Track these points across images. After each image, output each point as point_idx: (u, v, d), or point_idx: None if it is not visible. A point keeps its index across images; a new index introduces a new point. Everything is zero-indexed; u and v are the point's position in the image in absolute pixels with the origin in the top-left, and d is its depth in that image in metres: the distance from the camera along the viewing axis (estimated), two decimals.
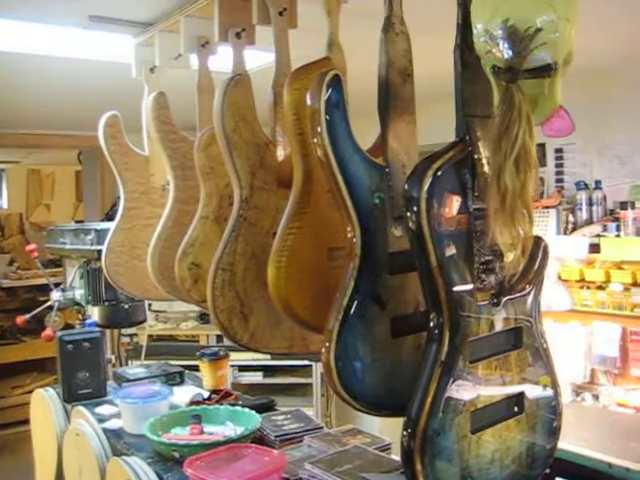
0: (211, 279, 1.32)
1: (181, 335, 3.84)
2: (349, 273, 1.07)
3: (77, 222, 5.18)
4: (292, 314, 1.20)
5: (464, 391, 0.98)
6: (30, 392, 5.32)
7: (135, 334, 3.73)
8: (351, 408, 1.09)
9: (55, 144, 4.32)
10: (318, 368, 3.70)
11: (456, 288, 0.97)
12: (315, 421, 1.71)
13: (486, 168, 0.99)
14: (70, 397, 2.02)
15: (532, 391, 1.09)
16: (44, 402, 2.10)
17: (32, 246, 2.54)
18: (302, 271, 1.20)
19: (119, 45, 2.10)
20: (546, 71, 0.90)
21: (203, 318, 3.99)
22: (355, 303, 1.06)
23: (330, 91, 1.04)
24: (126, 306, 2.24)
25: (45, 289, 5.65)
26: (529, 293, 1.07)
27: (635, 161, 2.62)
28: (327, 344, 1.06)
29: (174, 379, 2.15)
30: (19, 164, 6.11)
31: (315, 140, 1.06)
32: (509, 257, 0.94)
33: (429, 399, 0.95)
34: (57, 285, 5.68)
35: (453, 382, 0.97)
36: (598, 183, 2.69)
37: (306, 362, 3.67)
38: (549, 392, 1.12)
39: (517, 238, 0.91)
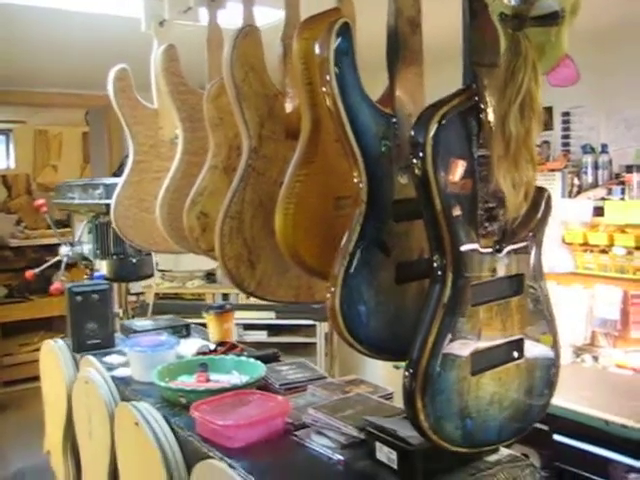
0: (219, 227, 1.34)
1: (187, 294, 3.89)
2: (355, 219, 1.09)
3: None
4: (299, 261, 1.23)
5: (465, 334, 1.01)
6: (37, 350, 5.42)
7: (142, 292, 3.78)
8: (357, 353, 1.13)
9: (61, 103, 4.32)
10: (322, 328, 3.76)
11: (459, 232, 0.99)
12: (319, 371, 1.75)
13: (491, 116, 1.01)
14: (79, 347, 2.06)
15: (531, 338, 1.11)
16: (53, 352, 2.14)
17: (41, 201, 2.57)
18: (309, 218, 1.22)
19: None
20: (553, 19, 0.91)
21: (209, 277, 4.04)
22: (360, 249, 1.09)
23: (339, 39, 1.05)
24: (134, 260, 2.27)
25: (52, 248, 5.71)
26: (531, 242, 1.09)
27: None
28: (332, 289, 1.08)
29: (181, 331, 2.19)
30: (26, 124, 6.12)
31: (324, 89, 1.07)
32: (511, 201, 0.96)
33: (431, 340, 0.98)
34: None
35: (455, 324, 1.00)
36: (604, 147, 2.70)
37: (310, 322, 3.72)
38: (548, 342, 1.15)
39: (520, 183, 0.93)
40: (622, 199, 2.57)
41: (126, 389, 1.74)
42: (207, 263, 4.02)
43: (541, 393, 1.15)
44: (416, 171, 0.96)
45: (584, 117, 2.80)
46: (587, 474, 2.30)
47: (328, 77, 1.06)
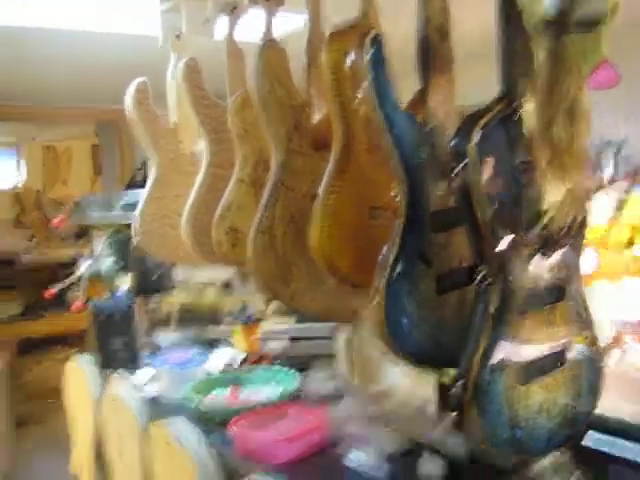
0: (251, 243, 1.33)
1: (204, 305, 3.87)
2: (395, 231, 1.08)
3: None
4: (335, 272, 1.22)
5: (513, 342, 1.00)
6: (54, 366, 5.40)
7: (158, 305, 3.77)
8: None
9: (70, 117, 4.32)
10: (342, 335, 3.73)
11: (504, 241, 0.97)
12: (353, 381, 1.73)
13: (530, 123, 1.00)
14: (106, 364, 2.06)
15: (575, 344, 1.10)
16: (79, 369, 2.14)
17: (59, 218, 2.57)
18: (344, 230, 1.21)
19: (141, 16, 2.11)
20: (595, 23, 0.90)
21: (226, 287, 4.02)
22: (401, 261, 1.07)
23: (374, 49, 1.04)
24: (155, 274, 2.26)
25: (66, 265, 5.72)
26: (572, 247, 1.08)
27: None
28: (375, 300, 1.07)
29: (206, 345, 2.18)
30: (34, 141, 6.13)
31: (360, 95, 1.06)
32: (559, 209, 0.94)
33: (480, 350, 0.97)
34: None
35: (502, 333, 0.98)
36: (624, 142, 2.67)
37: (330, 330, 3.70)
38: (591, 347, 1.13)
39: (568, 190, 0.91)
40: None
41: (157, 407, 1.74)
42: (223, 273, 4.02)
43: (587, 398, 1.13)
44: (459, 180, 0.95)
45: (604, 115, 2.77)
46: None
47: (365, 84, 1.05)
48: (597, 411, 1.16)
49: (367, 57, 1.04)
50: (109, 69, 3.12)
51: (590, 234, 2.85)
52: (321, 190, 1.21)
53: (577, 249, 1.09)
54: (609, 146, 2.71)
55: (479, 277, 0.99)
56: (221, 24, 1.72)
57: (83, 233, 4.62)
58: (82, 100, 4.10)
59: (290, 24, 1.86)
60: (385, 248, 1.09)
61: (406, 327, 1.09)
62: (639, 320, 2.69)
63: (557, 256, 1.06)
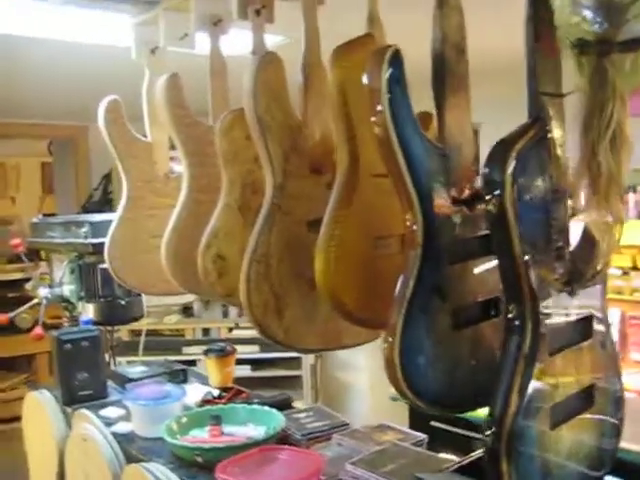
0: (245, 273, 1.23)
1: (165, 329, 3.73)
2: (411, 263, 1.00)
3: (45, 215, 5.00)
4: (339, 306, 1.13)
5: (544, 385, 0.93)
6: (12, 389, 5.13)
7: (117, 329, 3.61)
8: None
9: (26, 133, 4.13)
10: (307, 360, 3.65)
11: (536, 276, 0.91)
12: (340, 417, 1.64)
13: (560, 149, 0.94)
14: (70, 400, 1.91)
15: (601, 382, 1.04)
16: (40, 406, 1.98)
17: (17, 240, 2.41)
18: (350, 261, 1.13)
19: (112, 26, 1.99)
20: (638, 44, 0.85)
21: (186, 311, 3.89)
22: (418, 295, 0.99)
23: (392, 68, 0.97)
24: (123, 302, 2.13)
25: (13, 285, 5.48)
26: (598, 282, 1.02)
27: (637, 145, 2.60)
28: (390, 339, 0.99)
29: (177, 377, 2.06)
30: None
31: (374, 119, 0.98)
32: (605, 241, 0.88)
33: (514, 395, 0.89)
34: (27, 280, 5.47)
35: (534, 375, 0.91)
36: None
37: (295, 354, 3.60)
38: (616, 383, 1.08)
39: (611, 221, 0.85)
40: None
41: (131, 447, 1.60)
42: (183, 297, 3.89)
43: (611, 438, 1.08)
44: (492, 210, 0.88)
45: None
46: None
47: (380, 107, 0.97)
48: None
49: (385, 76, 0.96)
50: (72, 83, 2.98)
51: None
52: (326, 218, 1.13)
53: (603, 281, 1.03)
54: None
55: (510, 316, 0.92)
56: (202, 38, 1.63)
57: (32, 253, 4.42)
58: (37, 115, 3.93)
59: (270, 41, 1.78)
60: (400, 282, 1.01)
61: (422, 366, 1.01)
62: None
63: (584, 292, 1.00)
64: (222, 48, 1.60)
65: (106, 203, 3.87)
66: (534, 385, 0.91)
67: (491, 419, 0.90)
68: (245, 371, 3.62)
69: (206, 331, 3.72)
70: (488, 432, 0.90)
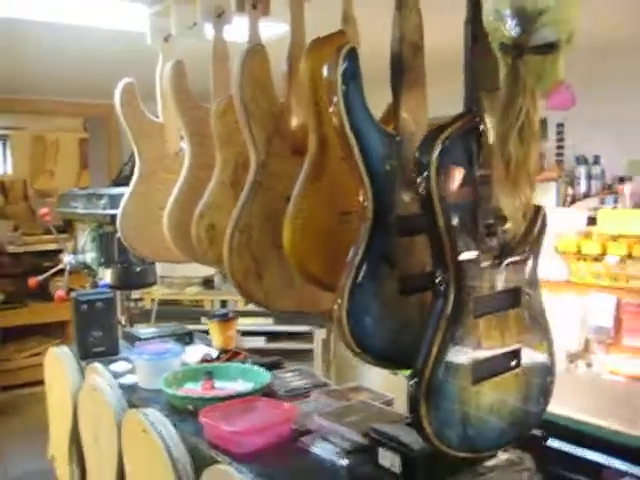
0: (228, 241, 1.39)
1: (185, 300, 3.93)
2: (361, 235, 1.15)
3: (81, 189, 5.24)
4: (307, 273, 1.28)
5: (466, 345, 1.06)
6: (34, 355, 5.41)
7: (141, 298, 3.82)
8: (353, 359, 1.18)
9: (61, 111, 4.36)
10: (320, 334, 3.81)
11: (461, 248, 1.04)
12: (321, 378, 1.80)
13: (491, 139, 1.07)
14: (85, 355, 2.11)
15: (528, 348, 1.17)
16: (58, 360, 2.18)
17: (45, 210, 2.61)
18: (316, 233, 1.27)
19: (132, 14, 2.16)
20: (550, 48, 0.97)
21: (207, 284, 4.08)
22: (366, 263, 1.14)
23: (347, 63, 1.10)
24: (137, 268, 2.31)
25: (50, 255, 5.75)
26: (528, 257, 1.15)
27: (632, 137, 2.68)
28: (339, 301, 1.13)
29: (184, 339, 2.23)
30: (23, 130, 6.15)
31: (331, 109, 1.12)
32: (511, 221, 1.01)
33: (434, 350, 1.03)
34: (61, 251, 5.75)
35: (456, 335, 1.05)
36: (597, 158, 2.76)
37: (308, 328, 3.77)
38: (544, 351, 1.20)
39: (519, 203, 0.98)
40: (615, 208, 2.64)
41: (133, 396, 1.79)
42: (204, 269, 4.08)
43: (537, 401, 1.20)
44: (421, 190, 1.02)
45: (578, 128, 2.87)
46: (581, 479, 2.35)
47: (335, 99, 1.11)
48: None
49: (339, 70, 1.10)
50: (100, 64, 3.16)
51: (562, 246, 2.94)
52: (294, 194, 1.27)
53: (535, 259, 1.15)
54: (583, 161, 2.80)
55: (436, 281, 1.05)
56: (209, 28, 1.78)
57: (67, 225, 4.68)
58: (72, 94, 4.14)
59: (272, 31, 1.92)
60: (351, 250, 1.15)
61: (369, 326, 1.15)
62: (607, 327, 2.79)
63: (513, 264, 1.13)
64: (226, 36, 1.74)
65: None
66: (456, 344, 1.05)
67: (414, 371, 1.04)
68: (260, 343, 3.80)
69: (224, 303, 3.91)
70: (411, 382, 1.04)
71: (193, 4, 1.79)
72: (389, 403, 1.60)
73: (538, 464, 1.37)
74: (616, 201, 2.62)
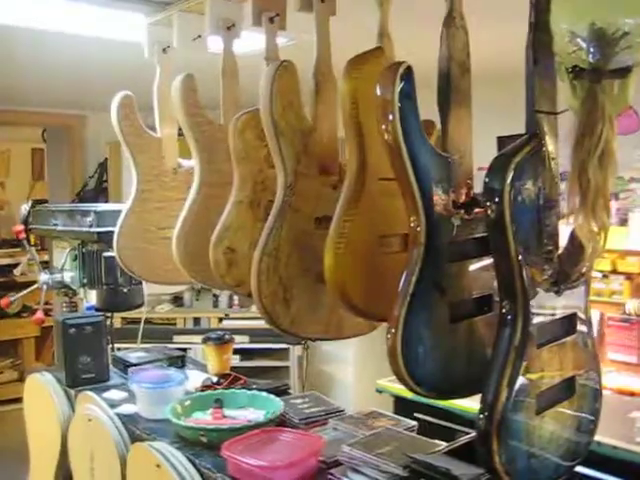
0: (256, 265, 1.32)
1: (156, 318, 3.80)
2: (413, 260, 1.10)
3: (36, 201, 5.04)
4: (346, 300, 1.22)
5: (532, 375, 1.03)
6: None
7: (108, 317, 3.67)
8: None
9: (20, 121, 4.17)
10: (295, 351, 3.74)
11: (529, 276, 1.01)
12: (334, 404, 1.74)
13: (553, 162, 1.04)
14: (73, 382, 1.99)
15: (581, 375, 1.14)
16: (42, 387, 2.06)
17: (20, 227, 2.48)
18: (357, 258, 1.22)
19: (114, 20, 2.06)
20: (625, 72, 0.95)
21: (177, 301, 3.96)
22: (419, 290, 1.09)
23: (404, 82, 1.06)
24: (125, 289, 2.21)
25: (5, 269, 5.51)
26: (582, 284, 1.12)
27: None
28: (393, 330, 1.08)
29: (176, 362, 2.14)
30: None
31: (384, 127, 1.07)
32: (592, 247, 0.98)
33: (505, 382, 0.99)
34: (15, 266, 5.50)
35: (524, 365, 1.01)
36: None
37: (283, 345, 3.70)
38: (594, 376, 1.18)
39: (599, 229, 0.95)
40: None
41: (135, 427, 1.69)
42: (174, 287, 3.96)
43: (588, 429, 1.18)
44: (492, 215, 0.98)
45: (561, 145, 2.89)
46: None
47: (391, 117, 1.06)
48: None
49: (397, 89, 1.06)
50: (72, 73, 3.04)
51: None
52: (336, 217, 1.22)
53: (587, 283, 1.13)
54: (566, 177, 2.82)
55: (503, 311, 1.02)
56: (214, 40, 1.71)
57: (22, 240, 4.48)
58: (33, 103, 3.96)
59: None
60: (403, 277, 1.11)
61: (421, 355, 1.11)
62: None
63: (569, 290, 1.10)
64: (234, 50, 1.68)
65: (101, 191, 3.92)
66: (522, 374, 1.02)
67: (484, 404, 1.00)
68: (235, 361, 3.68)
69: (197, 321, 3.80)
70: (481, 416, 0.99)
71: (198, 14, 1.72)
72: (411, 429, 1.56)
73: None
74: None
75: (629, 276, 2.70)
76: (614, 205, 2.61)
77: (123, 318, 3.58)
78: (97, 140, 3.84)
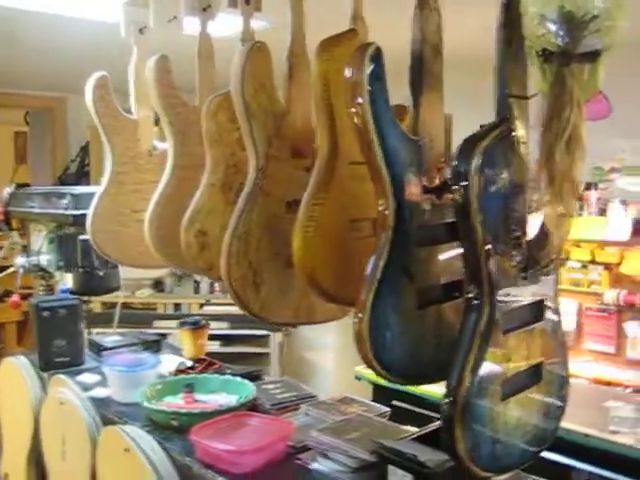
0: (226, 248, 1.31)
1: (137, 303, 3.78)
2: (381, 244, 1.09)
3: (19, 185, 4.99)
4: (315, 284, 1.21)
5: (498, 361, 1.03)
6: None
7: (88, 301, 3.65)
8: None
9: (2, 103, 4.12)
10: (276, 338, 3.74)
11: (495, 261, 1.00)
12: (306, 389, 1.73)
13: (523, 147, 1.03)
14: (47, 365, 1.97)
15: (549, 362, 1.14)
16: (15, 370, 2.04)
17: None
18: (326, 242, 1.21)
19: (96, 2, 2.03)
20: (594, 56, 0.94)
21: (157, 286, 3.94)
22: (387, 275, 1.08)
23: (373, 64, 1.05)
24: (101, 273, 2.19)
25: None
26: (551, 272, 1.12)
27: (595, 144, 2.72)
28: (360, 315, 1.07)
29: (152, 347, 2.13)
30: None
31: (354, 110, 1.06)
32: (557, 233, 0.98)
33: (469, 368, 0.99)
34: None
35: (489, 351, 1.01)
36: None
37: (264, 332, 3.69)
38: (561, 363, 1.18)
39: (564, 215, 0.95)
40: (580, 215, 2.67)
41: (107, 411, 1.68)
42: (154, 271, 3.94)
43: (554, 415, 1.18)
44: (458, 198, 0.97)
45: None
46: None
47: (360, 99, 1.05)
48: None
49: (366, 72, 1.04)
50: (53, 55, 3.00)
51: None
52: (305, 200, 1.21)
53: (555, 269, 1.13)
54: None
55: (470, 296, 1.01)
56: (190, 21, 1.69)
57: (2, 223, 4.44)
58: (14, 85, 3.92)
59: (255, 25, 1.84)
60: (371, 261, 1.09)
61: (389, 340, 1.10)
62: (569, 331, 2.82)
63: (537, 276, 1.10)
64: (210, 31, 1.65)
65: (83, 175, 3.88)
66: (488, 360, 1.01)
67: (448, 389, 0.99)
68: (214, 347, 3.68)
69: (177, 306, 3.79)
70: (445, 401, 0.99)
71: None
72: (383, 415, 1.56)
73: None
74: (582, 208, 2.65)
75: (607, 266, 2.71)
76: (594, 195, 2.62)
77: (103, 303, 3.56)
78: (79, 123, 3.80)
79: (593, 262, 2.72)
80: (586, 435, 2.28)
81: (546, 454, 2.44)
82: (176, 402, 1.63)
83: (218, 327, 3.61)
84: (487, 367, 1.01)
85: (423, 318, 1.14)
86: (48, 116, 3.92)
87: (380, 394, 2.83)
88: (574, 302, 2.82)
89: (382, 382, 2.80)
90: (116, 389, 1.73)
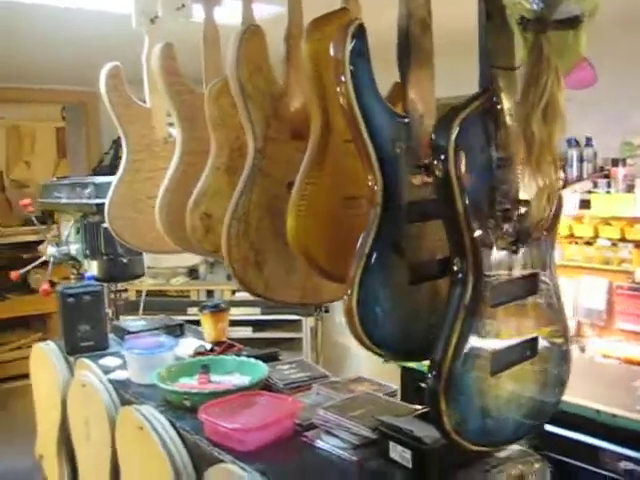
0: (226, 229, 1.33)
1: (171, 291, 3.86)
2: (370, 221, 1.09)
3: (60, 178, 5.12)
4: (311, 262, 1.23)
5: (485, 334, 1.02)
6: (16, 349, 5.31)
7: (125, 289, 3.74)
8: (376, 355, 1.13)
9: (38, 98, 4.23)
10: (308, 323, 3.76)
11: (479, 234, 0.99)
12: (320, 370, 1.75)
13: (509, 118, 1.02)
14: (72, 350, 2.04)
15: (545, 336, 1.13)
16: (45, 355, 2.11)
17: (27, 200, 2.52)
18: (320, 220, 1.22)
19: None
20: (574, 23, 0.92)
21: (192, 273, 4.01)
22: (376, 251, 1.09)
23: (355, 41, 1.05)
24: (124, 260, 2.24)
25: (28, 246, 5.62)
26: (545, 241, 1.11)
27: (626, 118, 2.65)
28: (349, 291, 1.08)
29: (175, 331, 2.17)
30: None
31: (339, 89, 1.07)
32: (535, 205, 0.97)
33: (453, 341, 0.99)
34: (40, 242, 5.62)
35: (475, 325, 1.00)
36: (589, 140, 2.73)
37: (296, 317, 3.72)
38: (560, 340, 1.16)
39: (543, 186, 0.94)
40: (608, 192, 2.61)
41: (126, 392, 1.72)
42: (189, 259, 4.01)
43: (554, 390, 1.17)
44: (438, 173, 0.97)
45: (568, 109, 2.83)
46: (578, 463, 2.34)
47: (343, 78, 1.05)
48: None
49: (348, 48, 1.04)
50: (80, 48, 3.07)
51: None
52: (298, 180, 1.22)
53: (551, 243, 1.11)
54: (574, 144, 2.76)
55: (454, 269, 1.01)
56: (197, 9, 1.71)
57: (46, 216, 4.58)
58: (49, 81, 4.02)
59: (262, 12, 1.85)
60: (361, 238, 1.10)
61: (379, 316, 1.10)
62: (599, 310, 2.78)
63: (531, 250, 1.08)
64: (216, 18, 1.67)
65: (116, 167, 3.95)
66: (475, 333, 1.01)
67: (432, 363, 1.00)
68: (247, 332, 3.74)
69: (210, 293, 3.85)
70: (430, 375, 0.99)
71: None
72: (392, 394, 1.56)
73: (535, 448, 1.34)
74: (609, 185, 2.59)
75: (638, 244, 2.64)
76: (621, 171, 2.55)
77: (137, 291, 3.64)
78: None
79: (623, 240, 2.66)
80: (614, 415, 2.24)
81: (574, 434, 2.42)
82: (191, 383, 1.67)
83: (250, 313, 3.66)
84: (473, 341, 1.00)
85: (416, 294, 1.14)
86: (82, 111, 4.02)
87: (408, 378, 2.83)
88: (604, 281, 2.77)
89: (410, 365, 2.79)
90: (134, 371, 1.77)
